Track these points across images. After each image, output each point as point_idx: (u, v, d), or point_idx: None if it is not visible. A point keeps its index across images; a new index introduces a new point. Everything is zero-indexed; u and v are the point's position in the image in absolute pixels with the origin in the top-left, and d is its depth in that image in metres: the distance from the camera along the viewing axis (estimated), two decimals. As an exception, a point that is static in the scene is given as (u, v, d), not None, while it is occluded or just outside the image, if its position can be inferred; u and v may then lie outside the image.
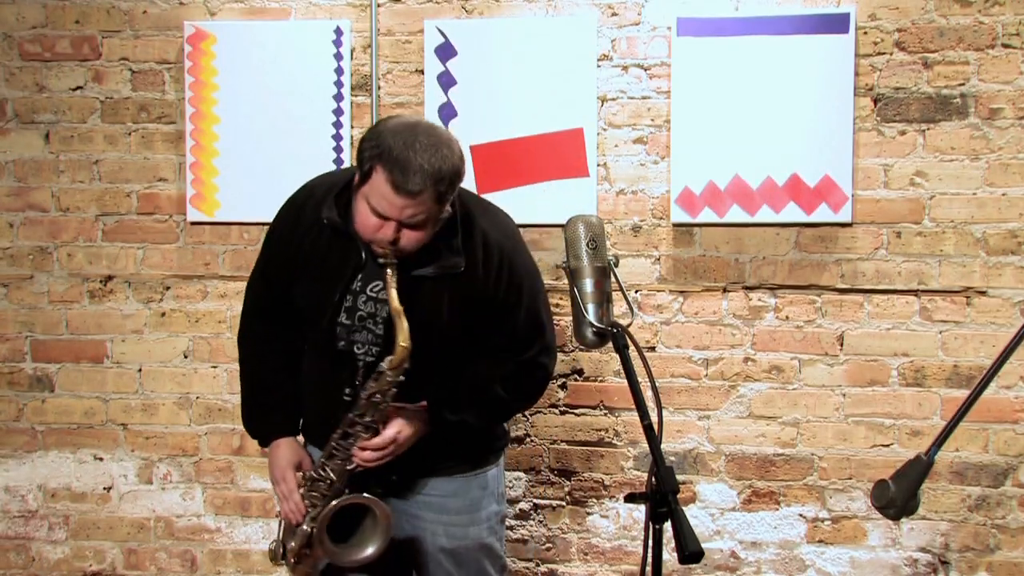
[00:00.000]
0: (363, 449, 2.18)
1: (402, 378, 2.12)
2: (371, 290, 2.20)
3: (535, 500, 3.19)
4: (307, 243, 2.23)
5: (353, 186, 2.10)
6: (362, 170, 2.05)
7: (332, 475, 2.22)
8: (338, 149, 3.16)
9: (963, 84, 2.95)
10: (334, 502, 2.21)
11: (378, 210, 2.03)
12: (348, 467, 2.21)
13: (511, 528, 3.17)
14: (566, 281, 2.19)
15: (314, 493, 2.25)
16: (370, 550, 2.22)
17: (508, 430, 2.49)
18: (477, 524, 2.37)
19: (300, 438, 2.41)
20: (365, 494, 2.22)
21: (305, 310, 2.27)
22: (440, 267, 2.15)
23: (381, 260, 2.09)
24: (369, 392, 2.14)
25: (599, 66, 3.08)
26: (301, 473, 2.29)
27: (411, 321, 2.09)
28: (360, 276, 2.20)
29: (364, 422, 2.16)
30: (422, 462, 2.29)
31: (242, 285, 3.23)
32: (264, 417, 2.40)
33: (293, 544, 2.29)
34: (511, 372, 2.27)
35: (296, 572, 2.35)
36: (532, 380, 2.32)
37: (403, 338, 2.07)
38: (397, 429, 2.19)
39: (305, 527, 2.25)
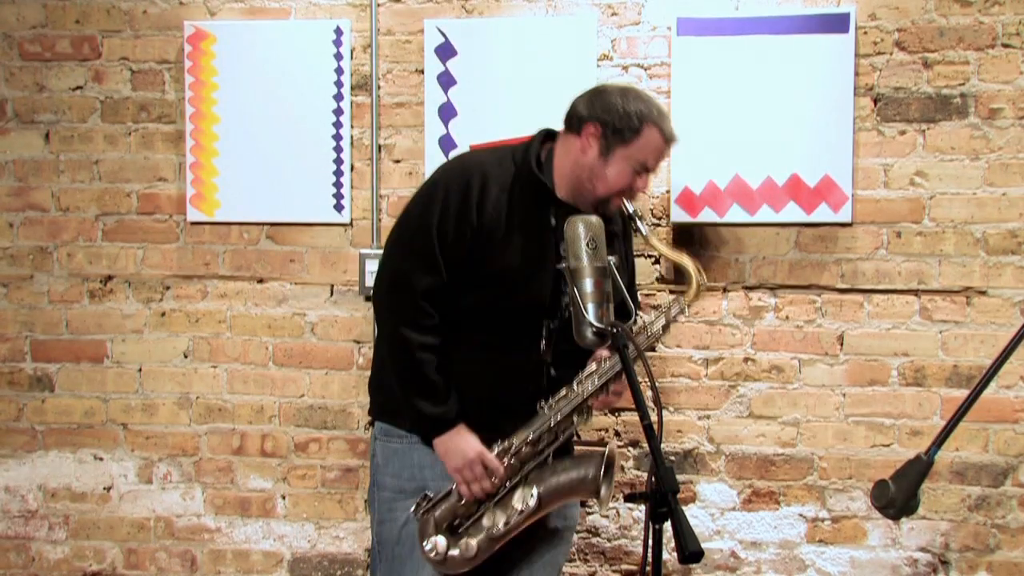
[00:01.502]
0: (617, 393, 2.28)
1: (685, 312, 2.33)
2: (564, 251, 2.25)
3: (535, 500, 3.18)
4: (501, 212, 2.27)
5: (596, 150, 2.26)
6: (620, 133, 2.24)
7: (560, 423, 2.24)
8: (338, 149, 3.16)
9: (963, 84, 2.95)
10: (611, 447, 2.29)
11: (648, 164, 2.28)
12: (583, 414, 2.27)
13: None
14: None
15: (513, 463, 2.26)
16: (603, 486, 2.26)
17: None
18: (575, 506, 2.44)
19: None
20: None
21: (516, 282, 2.28)
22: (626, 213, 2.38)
23: (634, 212, 2.30)
24: (651, 330, 2.28)
25: (599, 66, 3.08)
26: (501, 446, 2.28)
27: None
28: (554, 239, 2.28)
29: (627, 368, 2.16)
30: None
31: (242, 285, 3.26)
32: (446, 405, 2.31)
33: (472, 523, 2.28)
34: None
35: (462, 561, 2.30)
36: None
37: (696, 271, 2.33)
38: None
39: (531, 495, 2.25)
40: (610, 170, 2.25)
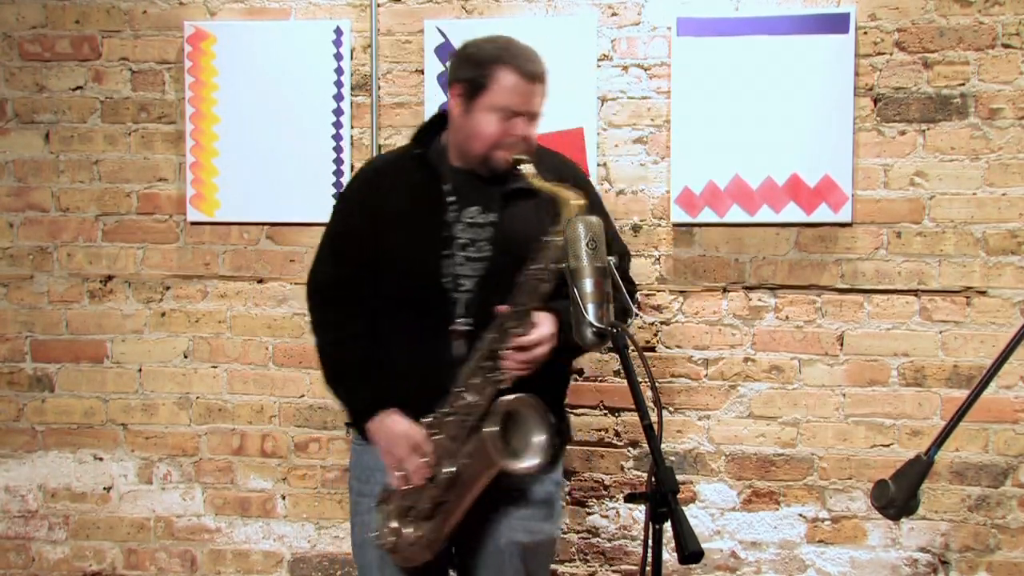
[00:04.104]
0: (517, 349, 2.10)
1: (561, 240, 2.06)
2: (466, 217, 2.24)
3: (535, 500, 3.18)
4: (390, 199, 2.28)
5: (460, 108, 2.20)
6: (475, 84, 2.17)
7: (476, 398, 2.13)
8: (338, 149, 3.16)
9: (963, 84, 2.95)
10: (506, 398, 2.09)
11: (511, 107, 2.16)
12: (497, 379, 2.11)
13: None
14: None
15: (441, 436, 2.18)
16: (538, 455, 2.11)
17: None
18: (551, 520, 2.35)
19: None
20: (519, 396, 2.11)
21: (401, 260, 2.25)
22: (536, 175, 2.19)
23: (515, 158, 2.16)
24: (531, 273, 2.10)
25: (599, 66, 3.08)
26: (426, 421, 2.22)
27: (512, 236, 2.17)
28: (452, 207, 2.24)
29: (520, 309, 2.11)
30: None
31: (242, 285, 3.26)
32: (370, 390, 2.32)
33: (417, 507, 2.20)
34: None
35: (416, 546, 2.23)
36: (628, 276, 2.34)
37: (572, 197, 2.07)
38: (548, 327, 2.13)
39: (451, 468, 2.16)
40: (476, 124, 2.19)
